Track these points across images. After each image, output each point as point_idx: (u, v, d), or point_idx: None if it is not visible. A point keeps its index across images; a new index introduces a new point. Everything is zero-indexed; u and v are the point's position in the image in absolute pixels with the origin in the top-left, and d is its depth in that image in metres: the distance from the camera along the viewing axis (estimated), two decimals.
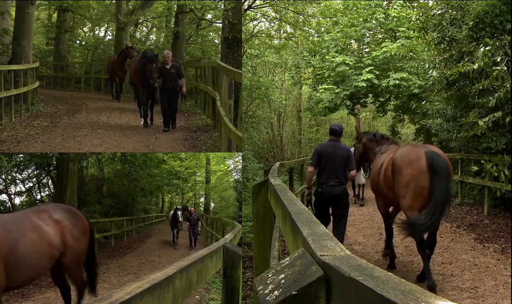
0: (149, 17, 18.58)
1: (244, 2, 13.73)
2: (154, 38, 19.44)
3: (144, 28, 19.40)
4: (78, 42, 19.96)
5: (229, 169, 35.34)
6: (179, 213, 20.77)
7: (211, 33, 17.66)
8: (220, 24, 14.31)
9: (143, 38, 18.78)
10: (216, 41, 16.39)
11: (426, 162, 6.62)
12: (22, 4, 13.24)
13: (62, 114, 13.44)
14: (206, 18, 16.67)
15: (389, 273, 1.20)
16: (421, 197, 6.62)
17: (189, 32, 17.19)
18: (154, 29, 19.79)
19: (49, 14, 17.85)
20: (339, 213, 7.83)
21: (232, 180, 33.47)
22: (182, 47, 16.27)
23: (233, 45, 12.38)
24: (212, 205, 36.15)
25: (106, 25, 19.75)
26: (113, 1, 16.93)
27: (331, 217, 7.93)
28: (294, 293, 1.37)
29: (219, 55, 13.53)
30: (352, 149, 9.61)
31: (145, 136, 11.36)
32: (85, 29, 20.00)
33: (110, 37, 19.29)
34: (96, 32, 20.22)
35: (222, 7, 12.80)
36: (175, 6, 16.20)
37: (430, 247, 7.08)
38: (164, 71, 12.16)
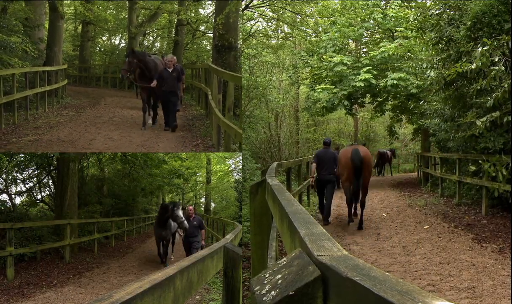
0: (154, 29, 22.55)
1: (242, 1, 15.92)
2: (158, 45, 23.68)
3: (151, 37, 23.90)
4: (98, 48, 24.18)
5: (229, 169, 35.40)
6: (180, 212, 12.82)
7: (204, 41, 21.34)
8: (211, 34, 17.38)
9: (150, 45, 22.86)
10: (208, 48, 20.16)
11: (350, 156, 11.74)
12: (53, 19, 16.50)
13: (85, 106, 16.20)
14: (200, 29, 20.40)
15: (386, 273, 1.19)
16: (348, 175, 11.96)
17: (186, 41, 20.53)
18: (159, 38, 24.34)
19: (75, 26, 22.40)
20: (329, 189, 13.12)
21: (232, 180, 33.53)
22: (181, 52, 19.30)
23: (222, 51, 14.70)
24: (213, 205, 36.17)
25: (120, 35, 24.19)
26: (126, 16, 20.52)
27: (324, 191, 13.30)
28: (291, 293, 1.36)
29: (211, 59, 16.09)
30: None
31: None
32: (104, 38, 24.88)
33: (124, 44, 23.83)
34: (112, 40, 25.14)
35: (213, 21, 15.75)
36: (175, 19, 19.58)
37: (355, 199, 12.33)
38: (166, 74, 12.74)
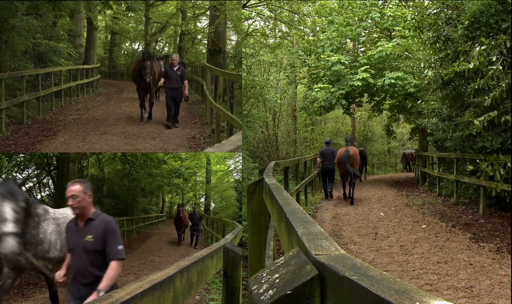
0: (164, 37, 29.45)
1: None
2: (166, 49, 30.18)
3: (161, 44, 30.66)
4: (122, 52, 31.12)
5: (229, 169, 35.42)
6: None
7: (201, 47, 27.51)
8: (206, 41, 22.77)
9: (160, 50, 29.43)
10: (203, 51, 25.67)
11: (343, 154, 16.66)
12: (90, 30, 22.36)
13: (113, 93, 20.46)
14: (197, 37, 26.68)
15: (384, 272, 1.19)
16: (342, 167, 16.81)
17: (187, 46, 26.00)
18: (167, 44, 31.25)
19: (106, 35, 28.62)
20: (330, 175, 18.58)
21: (232, 180, 33.56)
22: (183, 55, 23.75)
23: (214, 53, 19.47)
24: (213, 205, 36.18)
25: (138, 42, 31.24)
26: (143, 28, 26.58)
27: (327, 177, 18.62)
28: (288, 292, 1.36)
29: (205, 59, 20.53)
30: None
31: (161, 107, 15.18)
32: (126, 44, 32.25)
33: (141, 48, 29.98)
34: (133, 46, 32.54)
35: (207, 31, 21.41)
36: (179, 30, 25.51)
37: (350, 183, 17.00)
38: (170, 72, 13.56)
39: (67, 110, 15.76)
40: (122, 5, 16.08)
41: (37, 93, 14.25)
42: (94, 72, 21.33)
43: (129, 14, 27.27)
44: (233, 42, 24.84)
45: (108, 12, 21.66)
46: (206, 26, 24.06)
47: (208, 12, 22.17)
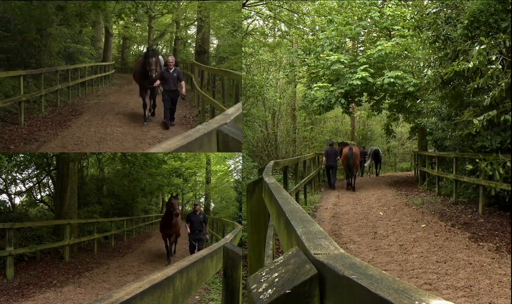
0: (162, 41, 35.80)
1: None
2: (165, 50, 35.24)
3: (160, 46, 35.78)
4: (131, 52, 37.68)
5: (229, 169, 35.40)
6: None
7: (190, 48, 32.23)
8: (194, 44, 27.96)
9: (160, 51, 32.60)
10: (192, 52, 29.71)
11: (347, 153, 21.48)
12: (107, 36, 27.42)
13: (124, 84, 24.06)
14: (188, 41, 32.65)
15: (383, 271, 1.19)
16: (346, 163, 21.63)
17: (180, 48, 31.23)
18: (165, 47, 36.80)
19: (119, 40, 34.70)
20: (333, 171, 23.16)
21: (232, 180, 33.55)
22: (177, 55, 27.87)
23: (200, 54, 24.23)
24: (212, 205, 36.16)
25: (143, 45, 37.82)
26: (146, 34, 33.68)
27: (330, 172, 23.38)
28: (288, 291, 1.36)
29: (194, 58, 24.85)
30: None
31: (159, 98, 16.12)
32: (134, 46, 39.24)
33: (145, 50, 35.34)
34: (139, 48, 39.28)
35: (195, 36, 27.08)
36: (174, 36, 31.38)
37: (350, 175, 22.13)
38: (167, 74, 13.44)
39: (90, 96, 19.41)
40: (131, 17, 19.58)
41: (68, 83, 17.71)
42: (110, 68, 26.15)
43: (136, 24, 33.74)
44: (215, 45, 30.38)
45: (121, 22, 28.43)
46: (194, 33, 30.20)
47: (196, 23, 27.52)
